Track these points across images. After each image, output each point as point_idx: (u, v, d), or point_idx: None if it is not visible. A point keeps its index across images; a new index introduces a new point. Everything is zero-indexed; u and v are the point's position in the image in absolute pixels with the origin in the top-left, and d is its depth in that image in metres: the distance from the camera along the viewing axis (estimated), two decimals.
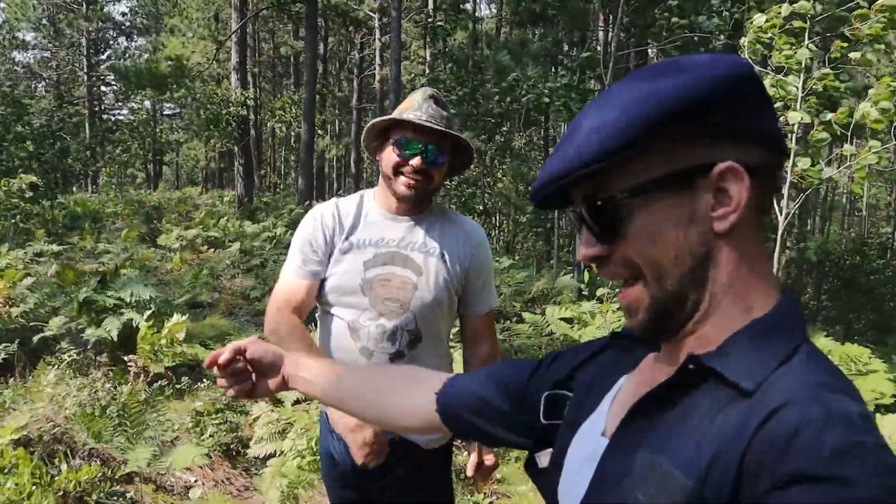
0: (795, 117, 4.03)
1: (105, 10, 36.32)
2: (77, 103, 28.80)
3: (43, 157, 13.17)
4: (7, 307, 5.38)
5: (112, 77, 31.66)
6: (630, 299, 0.74)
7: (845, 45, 4.19)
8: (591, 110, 0.72)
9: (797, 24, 4.38)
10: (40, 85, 36.11)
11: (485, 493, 3.68)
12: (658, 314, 0.72)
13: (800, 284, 18.13)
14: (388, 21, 16.08)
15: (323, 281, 1.82)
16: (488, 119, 12.72)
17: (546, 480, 0.85)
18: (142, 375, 4.53)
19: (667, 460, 0.64)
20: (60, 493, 3.02)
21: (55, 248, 8.87)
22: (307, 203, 15.30)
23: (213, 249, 11.25)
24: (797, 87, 4.33)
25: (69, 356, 4.71)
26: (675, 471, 0.62)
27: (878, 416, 3.69)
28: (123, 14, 39.17)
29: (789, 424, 0.57)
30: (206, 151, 28.44)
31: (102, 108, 35.88)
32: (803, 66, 4.25)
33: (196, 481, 3.62)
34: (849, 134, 4.10)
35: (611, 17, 11.31)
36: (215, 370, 1.12)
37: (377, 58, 22.40)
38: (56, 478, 3.06)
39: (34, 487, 2.93)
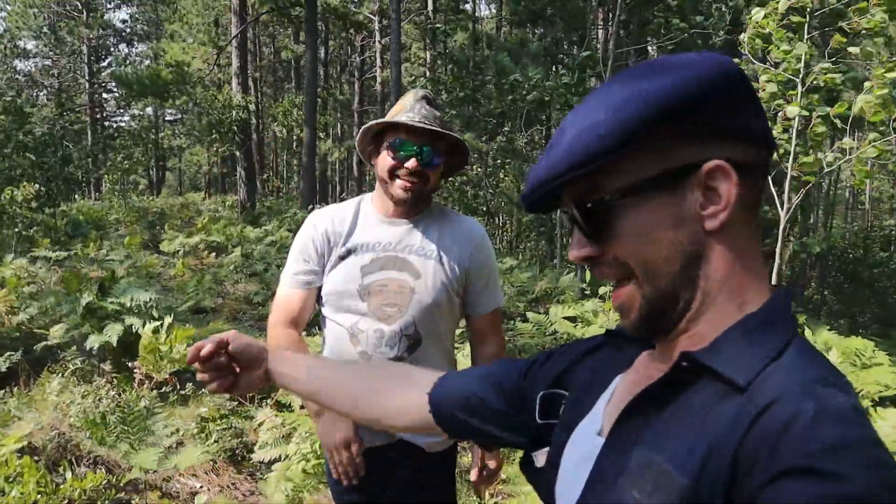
0: (793, 111, 4.02)
1: (105, 17, 36.48)
2: (79, 111, 28.91)
3: (45, 166, 13.22)
4: (9, 315, 5.40)
5: (113, 84, 31.76)
6: (622, 299, 0.74)
7: (844, 39, 4.18)
8: (578, 112, 0.72)
9: (795, 18, 4.37)
10: (42, 93, 36.25)
11: (490, 494, 3.68)
12: (650, 313, 0.72)
13: (803, 279, 18.09)
14: (388, 23, 16.11)
15: (322, 287, 1.84)
16: (489, 119, 12.73)
17: (543, 480, 0.85)
18: (146, 382, 4.54)
19: (662, 458, 0.64)
20: (65, 502, 3.03)
21: (58, 255, 8.91)
22: (310, 207, 15.33)
23: (214, 254, 11.26)
24: (797, 82, 4.32)
25: (73, 364, 4.72)
26: (671, 468, 0.62)
27: (881, 408, 3.68)
28: (124, 21, 39.32)
29: (781, 419, 0.57)
30: (209, 157, 28.53)
31: (104, 115, 35.98)
32: (802, 60, 4.25)
33: (201, 487, 3.62)
34: (847, 127, 4.09)
35: (610, 15, 11.30)
36: (196, 364, 1.09)
37: (378, 60, 22.44)
38: (61, 486, 3.07)
39: (39, 496, 2.94)
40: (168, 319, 4.88)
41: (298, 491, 3.24)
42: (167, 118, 38.18)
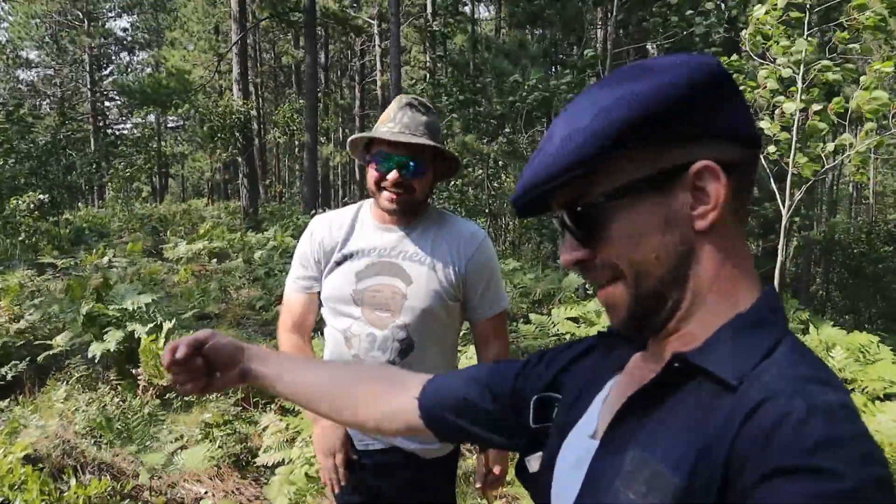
0: (791, 107, 4.02)
1: (107, 25, 36.63)
2: (81, 119, 29.02)
3: (48, 174, 13.28)
4: (12, 323, 5.43)
5: (115, 92, 31.89)
6: (609, 297, 0.74)
7: (845, 35, 4.17)
8: (567, 115, 0.73)
9: (794, 14, 4.37)
10: (44, 102, 36.40)
11: (496, 496, 3.68)
12: (638, 312, 0.72)
13: (808, 275, 18.04)
14: (387, 27, 16.14)
15: (320, 292, 1.88)
16: (490, 121, 12.74)
17: (537, 484, 0.85)
18: (150, 389, 4.55)
19: (656, 459, 0.64)
20: None
21: (64, 262, 8.96)
22: (312, 212, 15.35)
23: (216, 260, 11.28)
24: (797, 78, 4.32)
25: (77, 371, 4.74)
26: (665, 469, 0.62)
27: (879, 402, 3.66)
28: (125, 29, 39.49)
29: (772, 418, 0.57)
30: (211, 163, 28.59)
31: (107, 123, 36.13)
32: (803, 56, 4.24)
33: (206, 492, 3.63)
34: (846, 123, 4.09)
35: (608, 16, 11.31)
36: (164, 365, 1.03)
37: (378, 64, 22.50)
38: (65, 493, 3.07)
39: (43, 503, 2.94)
40: (168, 325, 4.89)
41: (302, 494, 3.24)
42: (169, 125, 38.31)
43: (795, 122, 4.34)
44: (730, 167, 0.68)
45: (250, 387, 4.73)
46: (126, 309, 5.28)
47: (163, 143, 33.22)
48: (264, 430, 4.02)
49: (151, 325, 5.09)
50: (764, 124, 4.43)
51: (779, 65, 4.35)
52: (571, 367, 0.91)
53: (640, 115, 0.66)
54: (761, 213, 9.98)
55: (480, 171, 12.60)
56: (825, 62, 4.21)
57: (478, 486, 1.91)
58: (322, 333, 1.94)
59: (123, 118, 37.19)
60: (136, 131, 29.30)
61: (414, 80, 24.23)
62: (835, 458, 0.53)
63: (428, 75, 15.32)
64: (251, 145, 17.82)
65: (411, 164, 1.73)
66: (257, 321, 7.63)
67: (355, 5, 28.19)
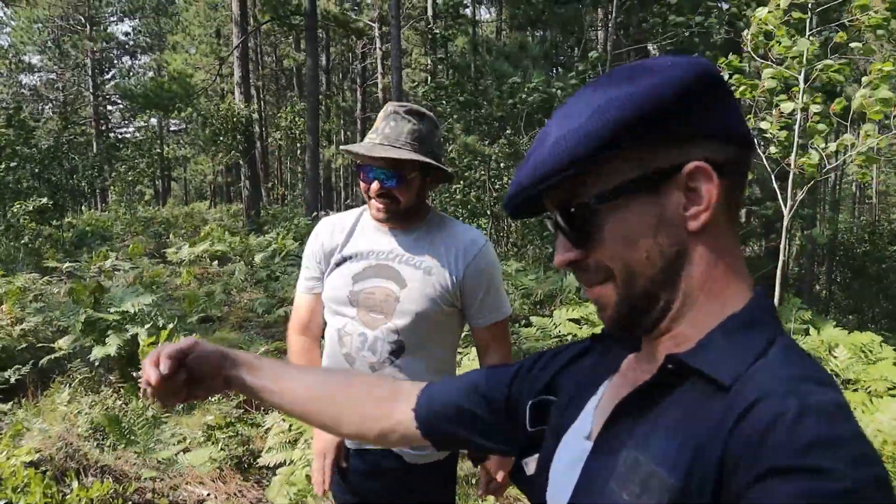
0: (789, 107, 4.02)
1: (108, 30, 36.73)
2: (84, 123, 29.09)
3: (51, 178, 13.31)
4: (14, 326, 5.44)
5: (117, 96, 31.96)
6: (598, 296, 0.75)
7: (844, 35, 4.17)
8: (559, 117, 0.73)
9: (797, 15, 4.37)
10: (47, 107, 36.50)
11: (498, 501, 3.67)
12: (627, 311, 0.72)
13: (811, 275, 18.00)
14: (388, 30, 16.15)
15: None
16: (492, 123, 12.73)
17: (533, 486, 0.85)
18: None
19: (650, 459, 0.64)
20: None
21: (68, 266, 8.98)
22: (313, 214, 15.36)
23: (218, 263, 11.29)
24: (799, 79, 4.32)
25: (80, 374, 4.75)
26: (659, 469, 0.63)
27: (877, 400, 3.64)
28: (126, 33, 39.51)
29: (765, 418, 0.57)
30: (213, 166, 28.63)
31: (109, 127, 36.22)
32: (804, 56, 4.24)
33: (208, 494, 3.63)
34: (847, 123, 4.09)
35: (608, 17, 11.32)
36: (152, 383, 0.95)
37: (379, 67, 22.51)
38: (67, 496, 3.08)
39: None
40: (169, 325, 4.90)
41: (302, 496, 3.24)
42: (171, 128, 38.37)
43: (797, 123, 4.34)
44: (722, 168, 0.69)
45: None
46: (127, 311, 5.29)
47: (165, 147, 33.28)
48: (267, 431, 4.02)
49: (150, 325, 5.09)
50: (765, 124, 4.42)
51: (783, 65, 4.34)
52: (567, 369, 0.91)
53: (634, 116, 0.66)
54: (762, 213, 9.97)
55: (482, 173, 12.59)
56: (827, 62, 4.21)
57: (480, 492, 1.92)
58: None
59: (126, 122, 37.26)
60: (138, 135, 29.36)
61: (415, 83, 24.23)
62: (832, 457, 0.53)
63: (429, 77, 15.33)
64: (253, 148, 17.85)
65: (391, 175, 1.73)
66: (259, 324, 7.64)
67: (356, 8, 28.25)
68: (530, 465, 0.87)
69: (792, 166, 4.41)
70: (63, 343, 5.15)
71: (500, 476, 1.87)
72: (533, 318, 6.47)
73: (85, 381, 4.77)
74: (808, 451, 0.53)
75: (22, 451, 3.28)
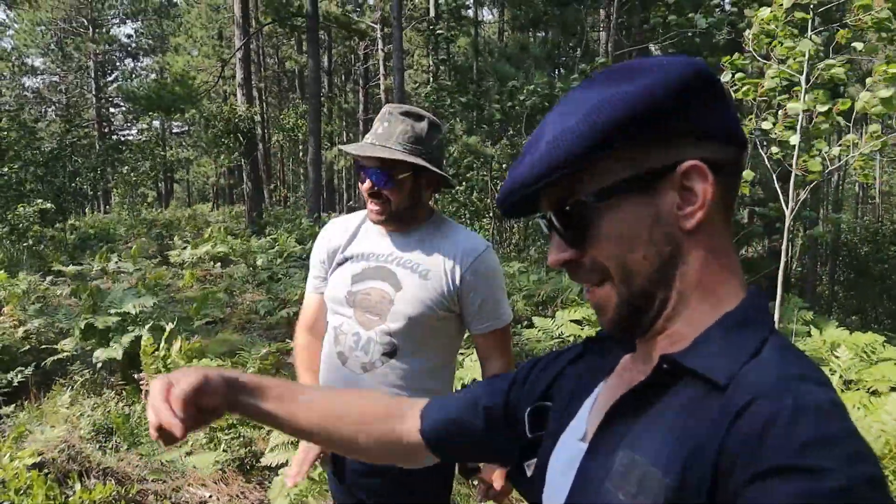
0: (795, 108, 4.00)
1: (111, 32, 36.84)
2: (87, 126, 29.15)
3: (55, 181, 13.34)
4: (18, 328, 5.46)
5: (120, 98, 32.05)
6: (598, 298, 0.74)
7: (847, 33, 4.16)
8: (555, 115, 0.73)
9: (799, 15, 4.36)
10: (50, 109, 36.61)
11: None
12: (627, 312, 0.72)
13: (814, 275, 17.96)
14: (391, 31, 16.17)
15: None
16: (494, 123, 12.74)
17: (532, 487, 0.86)
18: None
19: (646, 459, 0.64)
20: None
21: (74, 269, 9.00)
22: (315, 215, 15.37)
23: (220, 265, 11.31)
24: (800, 79, 4.31)
25: (82, 377, 4.76)
26: (655, 469, 0.63)
27: (875, 397, 3.63)
28: (129, 36, 39.66)
29: (760, 418, 0.57)
30: (216, 168, 28.70)
31: (112, 129, 36.32)
32: (806, 57, 4.23)
33: (211, 496, 3.63)
34: (850, 124, 4.08)
35: (609, 18, 11.32)
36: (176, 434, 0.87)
37: (381, 68, 22.55)
38: (70, 498, 3.09)
39: None
40: (169, 327, 4.90)
41: (303, 496, 3.24)
42: (174, 131, 38.48)
43: (799, 123, 4.33)
44: (717, 166, 0.69)
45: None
46: (128, 313, 5.30)
47: (168, 149, 33.36)
48: (269, 432, 4.02)
49: (150, 325, 5.10)
50: (766, 125, 4.42)
51: (785, 65, 4.33)
52: (563, 374, 0.92)
53: (628, 115, 0.66)
54: (765, 214, 9.97)
55: (484, 174, 12.59)
56: (829, 61, 4.20)
57: (479, 499, 1.91)
58: None
59: (129, 124, 37.37)
60: (141, 137, 29.43)
61: (417, 84, 24.28)
62: (825, 456, 0.53)
63: (431, 79, 15.35)
64: (255, 150, 17.88)
65: (380, 175, 1.74)
66: (262, 325, 7.65)
67: (358, 10, 28.30)
68: (531, 467, 0.88)
69: (794, 167, 4.40)
70: (67, 344, 5.16)
71: (497, 485, 1.87)
72: (535, 319, 6.46)
73: (87, 383, 4.77)
74: (804, 450, 0.54)
75: (24, 453, 3.30)
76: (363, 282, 1.82)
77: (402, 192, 1.77)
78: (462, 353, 4.50)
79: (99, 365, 4.94)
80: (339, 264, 1.88)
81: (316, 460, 1.87)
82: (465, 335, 1.94)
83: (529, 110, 10.21)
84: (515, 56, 12.85)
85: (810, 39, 4.27)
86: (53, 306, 6.51)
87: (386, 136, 1.74)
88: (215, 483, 3.74)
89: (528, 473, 0.88)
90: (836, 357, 4.36)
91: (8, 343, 5.20)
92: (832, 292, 18.09)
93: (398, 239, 1.85)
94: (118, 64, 38.93)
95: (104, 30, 35.38)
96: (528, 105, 9.91)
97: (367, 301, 1.80)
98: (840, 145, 4.36)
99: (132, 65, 39.99)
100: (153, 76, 35.56)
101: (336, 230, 1.95)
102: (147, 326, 5.10)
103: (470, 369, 4.40)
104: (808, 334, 5.18)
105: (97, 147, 19.63)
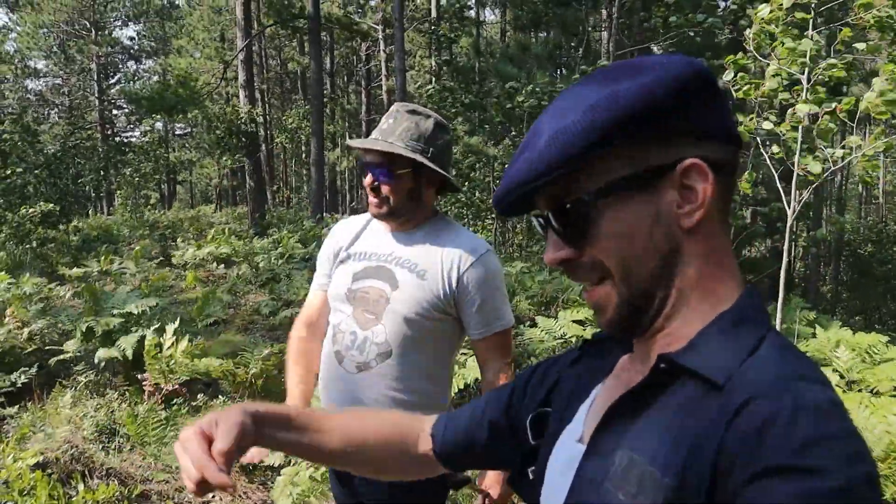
0: (803, 109, 3.99)
1: (113, 34, 36.91)
2: (90, 128, 29.22)
3: (58, 183, 13.37)
4: (22, 329, 5.47)
5: (123, 100, 32.12)
6: (598, 298, 0.74)
7: (848, 31, 4.15)
8: (551, 114, 0.72)
9: (799, 15, 4.35)
10: (53, 111, 36.69)
11: None
12: (627, 311, 0.72)
13: (817, 275, 17.93)
14: (392, 32, 16.17)
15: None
16: (495, 124, 12.74)
17: (530, 492, 0.86)
18: (155, 394, 4.56)
19: (645, 459, 0.64)
20: None
21: (79, 272, 9.02)
22: (318, 217, 15.38)
23: (223, 266, 11.32)
24: (802, 79, 4.30)
25: (85, 377, 4.77)
26: (654, 469, 0.63)
27: (876, 399, 3.63)
28: (131, 38, 39.78)
29: (759, 417, 0.57)
30: (219, 169, 28.74)
31: (115, 131, 36.39)
32: (808, 56, 4.22)
33: (213, 496, 3.64)
34: (854, 124, 4.06)
35: (611, 18, 11.32)
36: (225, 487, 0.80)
37: (383, 69, 22.55)
38: (73, 498, 3.09)
39: None
40: (171, 327, 4.91)
41: (305, 496, 3.24)
42: (177, 132, 38.54)
43: (802, 123, 4.31)
44: (716, 165, 0.69)
45: (256, 395, 4.75)
46: (131, 314, 5.30)
47: (171, 150, 33.41)
48: None
49: (154, 327, 5.10)
50: (767, 125, 4.40)
51: (786, 65, 4.32)
52: (562, 377, 0.92)
53: (626, 114, 0.66)
54: (767, 213, 9.94)
55: (486, 174, 12.60)
56: (831, 60, 4.19)
57: None
58: None
59: (132, 126, 37.45)
60: (144, 139, 29.49)
61: (419, 85, 24.26)
62: (824, 455, 0.53)
63: (433, 79, 15.35)
64: (258, 151, 17.89)
65: (379, 169, 1.75)
66: (265, 326, 7.65)
67: (360, 11, 28.31)
68: (533, 472, 0.89)
69: (796, 167, 4.39)
70: (71, 345, 5.18)
71: (493, 492, 1.86)
72: (538, 319, 6.46)
73: (90, 384, 4.78)
74: (803, 450, 0.54)
75: (28, 453, 3.31)
76: (363, 280, 1.83)
77: (400, 188, 1.77)
78: (464, 354, 4.49)
79: (102, 366, 4.95)
80: (342, 262, 1.90)
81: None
82: (465, 337, 1.93)
83: (530, 111, 10.21)
84: (517, 56, 12.85)
85: (811, 39, 4.26)
86: (57, 308, 6.52)
87: (389, 132, 1.76)
88: None
89: (531, 478, 0.88)
90: (837, 357, 4.36)
91: (12, 344, 5.21)
92: (835, 293, 18.05)
93: (400, 239, 1.85)
94: (121, 66, 38.99)
95: (107, 32, 35.44)
96: (527, 106, 9.90)
97: (365, 299, 1.80)
98: (843, 147, 4.34)
99: (135, 67, 40.06)
100: (156, 78, 35.64)
101: (342, 229, 1.98)
102: (153, 329, 5.10)
103: (472, 369, 4.40)
104: (814, 335, 5.16)
105: (100, 149, 19.67)
